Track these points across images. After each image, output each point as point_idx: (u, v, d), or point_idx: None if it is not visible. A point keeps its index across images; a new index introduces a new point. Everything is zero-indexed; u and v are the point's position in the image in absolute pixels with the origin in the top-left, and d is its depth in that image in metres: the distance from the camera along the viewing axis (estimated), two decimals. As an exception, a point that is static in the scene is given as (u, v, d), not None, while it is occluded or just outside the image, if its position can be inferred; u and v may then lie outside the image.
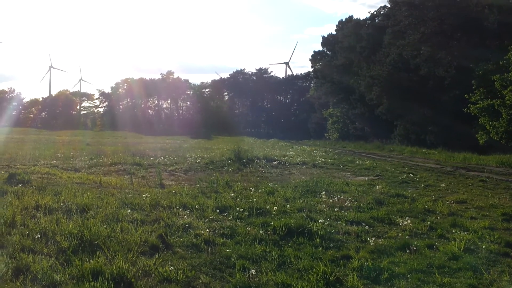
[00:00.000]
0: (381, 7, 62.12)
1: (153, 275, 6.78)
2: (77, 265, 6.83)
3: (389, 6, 54.42)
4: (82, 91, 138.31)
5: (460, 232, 9.54)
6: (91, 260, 7.01)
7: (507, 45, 31.67)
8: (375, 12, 62.61)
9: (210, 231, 9.22)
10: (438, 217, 11.13)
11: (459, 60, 37.43)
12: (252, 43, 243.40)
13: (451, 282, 6.88)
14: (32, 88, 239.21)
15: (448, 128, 39.20)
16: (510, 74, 29.91)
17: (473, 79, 34.23)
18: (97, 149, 33.34)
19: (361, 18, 67.48)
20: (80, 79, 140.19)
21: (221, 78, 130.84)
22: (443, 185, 17.21)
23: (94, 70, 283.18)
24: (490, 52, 35.17)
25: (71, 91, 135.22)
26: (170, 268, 6.88)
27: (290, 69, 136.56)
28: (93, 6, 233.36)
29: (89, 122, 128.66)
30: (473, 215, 11.57)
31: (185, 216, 10.42)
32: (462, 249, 8.34)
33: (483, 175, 20.39)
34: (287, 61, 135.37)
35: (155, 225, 9.54)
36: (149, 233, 8.81)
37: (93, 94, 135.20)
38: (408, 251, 8.28)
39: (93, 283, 6.21)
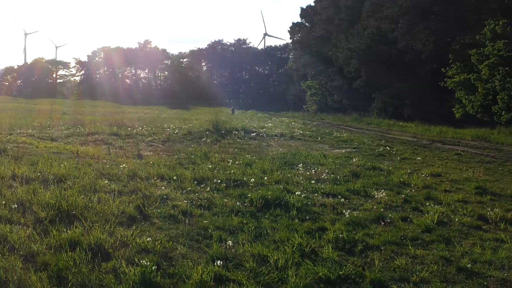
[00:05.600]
0: (360, -22, 61.91)
1: (130, 245, 6.77)
2: (55, 235, 6.81)
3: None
4: (58, 59, 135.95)
5: (434, 205, 9.70)
6: (68, 231, 7.00)
7: (484, 19, 31.84)
8: (354, -16, 62.40)
9: (187, 202, 9.23)
10: (413, 190, 11.31)
11: (436, 33, 37.51)
12: (230, 13, 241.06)
13: (424, 254, 7.00)
14: (7, 55, 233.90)
15: (425, 101, 39.41)
16: (486, 48, 30.16)
17: (450, 53, 34.47)
18: (75, 118, 33.00)
19: (340, -10, 67.19)
20: (56, 47, 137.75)
21: (199, 48, 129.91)
22: (419, 158, 17.45)
23: (70, 38, 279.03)
24: (467, 26, 35.32)
25: (46, 59, 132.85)
26: (148, 239, 6.89)
27: (264, 42, 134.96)
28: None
29: (65, 90, 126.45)
30: (447, 188, 11.78)
31: (163, 187, 10.42)
32: (435, 221, 8.49)
33: (459, 148, 20.69)
34: (266, 32, 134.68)
35: (133, 196, 9.53)
36: (127, 204, 8.81)
37: (69, 63, 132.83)
38: (382, 223, 8.40)
39: (70, 253, 6.17)
